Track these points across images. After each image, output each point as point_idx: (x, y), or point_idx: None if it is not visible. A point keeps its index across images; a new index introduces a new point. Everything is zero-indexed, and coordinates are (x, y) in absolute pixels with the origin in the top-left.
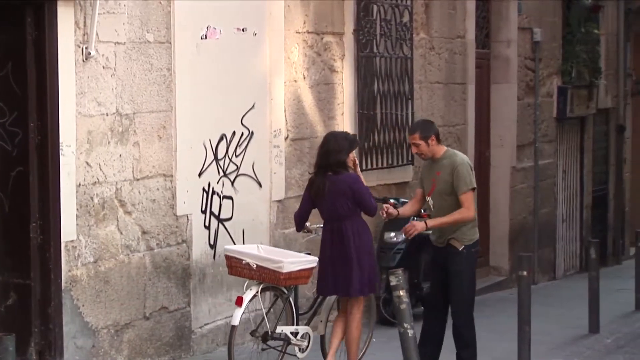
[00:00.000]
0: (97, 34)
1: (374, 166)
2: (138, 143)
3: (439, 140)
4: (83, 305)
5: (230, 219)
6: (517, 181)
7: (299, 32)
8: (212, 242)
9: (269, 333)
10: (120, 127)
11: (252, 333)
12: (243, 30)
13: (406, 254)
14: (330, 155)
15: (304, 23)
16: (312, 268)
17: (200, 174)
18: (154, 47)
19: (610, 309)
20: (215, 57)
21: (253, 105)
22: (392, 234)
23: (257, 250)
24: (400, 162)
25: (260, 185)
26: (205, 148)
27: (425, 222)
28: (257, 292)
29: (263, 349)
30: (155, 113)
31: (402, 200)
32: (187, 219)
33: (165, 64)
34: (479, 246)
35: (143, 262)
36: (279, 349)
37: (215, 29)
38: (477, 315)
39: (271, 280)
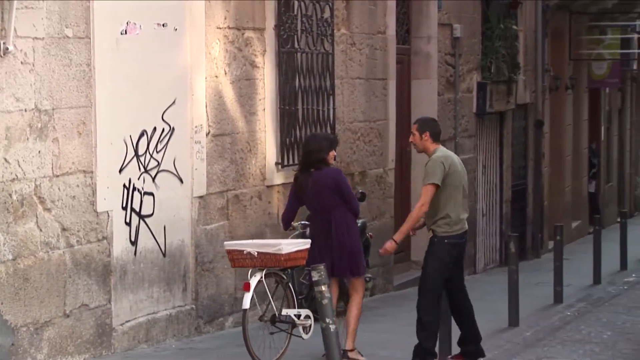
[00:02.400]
0: (15, 29)
1: (296, 162)
2: (57, 139)
3: (435, 140)
4: (2, 303)
5: (151, 215)
6: None
7: (220, 28)
8: (133, 239)
9: (277, 316)
10: (39, 123)
11: (260, 318)
12: (163, 25)
13: None
14: (312, 154)
15: (225, 19)
16: (307, 249)
17: (120, 170)
18: (73, 43)
19: (530, 302)
20: (136, 53)
21: (174, 101)
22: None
23: (245, 242)
24: None
25: (181, 181)
26: (126, 144)
27: (393, 239)
28: (262, 277)
29: (272, 333)
30: (74, 109)
31: None
32: (108, 216)
33: (84, 60)
34: (460, 240)
35: (63, 259)
36: (287, 331)
37: (135, 24)
38: (398, 310)
39: (273, 264)
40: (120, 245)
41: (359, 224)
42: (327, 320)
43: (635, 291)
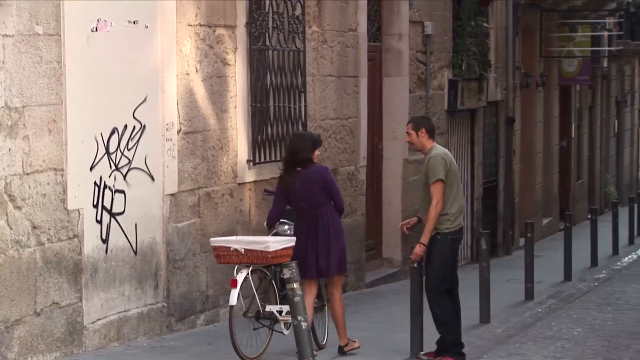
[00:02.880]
0: None
1: (267, 159)
2: (28, 137)
3: (430, 136)
4: None
5: (122, 213)
6: (410, 173)
7: (191, 25)
8: (104, 237)
9: (261, 312)
10: (10, 120)
11: (244, 314)
12: (134, 22)
13: None
14: (298, 153)
15: (196, 16)
16: (292, 247)
17: (91, 168)
18: (44, 40)
19: (501, 299)
20: (106, 50)
21: (145, 99)
22: (286, 227)
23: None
24: None
25: (152, 178)
26: (97, 142)
27: (421, 242)
28: (248, 273)
29: (255, 328)
30: (45, 106)
31: None
32: (79, 214)
33: (55, 57)
34: (459, 235)
35: (34, 257)
36: (269, 326)
37: (105, 21)
38: (369, 308)
39: (260, 261)
40: (91, 243)
41: None
42: (299, 317)
43: (606, 288)
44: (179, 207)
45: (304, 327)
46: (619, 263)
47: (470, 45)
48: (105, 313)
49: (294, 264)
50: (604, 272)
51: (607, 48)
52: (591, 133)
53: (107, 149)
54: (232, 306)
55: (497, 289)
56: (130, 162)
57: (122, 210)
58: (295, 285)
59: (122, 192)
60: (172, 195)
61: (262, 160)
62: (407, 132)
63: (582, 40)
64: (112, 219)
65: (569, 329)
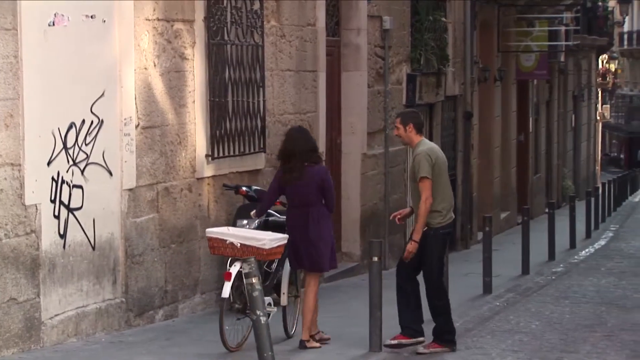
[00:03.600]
0: None
1: (226, 154)
2: None
3: (418, 131)
4: None
5: (80, 208)
6: (368, 168)
7: (149, 20)
8: (62, 232)
9: (248, 304)
10: None
11: (231, 306)
12: (92, 17)
13: None
14: (311, 150)
15: (154, 10)
16: (284, 244)
17: (49, 163)
18: (0, 34)
19: (459, 293)
20: (64, 45)
21: (103, 93)
22: (245, 222)
23: (227, 231)
24: (252, 150)
25: (110, 173)
26: (54, 136)
27: (412, 239)
28: (240, 267)
29: (238, 319)
30: (1, 101)
31: (255, 187)
32: (36, 209)
33: (11, 52)
34: (451, 228)
35: None
36: (251, 316)
37: (63, 15)
38: (329, 302)
39: (253, 256)
40: (48, 238)
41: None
42: (258, 312)
43: (563, 281)
44: (137, 202)
45: (262, 322)
46: (576, 257)
47: (429, 40)
48: (63, 308)
49: (252, 259)
50: (561, 265)
51: (564, 43)
52: (548, 127)
53: (64, 143)
54: (224, 298)
55: (456, 283)
56: (88, 157)
57: (80, 205)
58: (254, 280)
59: (80, 187)
60: (130, 190)
61: (221, 155)
62: (395, 126)
63: (540, 34)
64: (70, 214)
65: (527, 322)
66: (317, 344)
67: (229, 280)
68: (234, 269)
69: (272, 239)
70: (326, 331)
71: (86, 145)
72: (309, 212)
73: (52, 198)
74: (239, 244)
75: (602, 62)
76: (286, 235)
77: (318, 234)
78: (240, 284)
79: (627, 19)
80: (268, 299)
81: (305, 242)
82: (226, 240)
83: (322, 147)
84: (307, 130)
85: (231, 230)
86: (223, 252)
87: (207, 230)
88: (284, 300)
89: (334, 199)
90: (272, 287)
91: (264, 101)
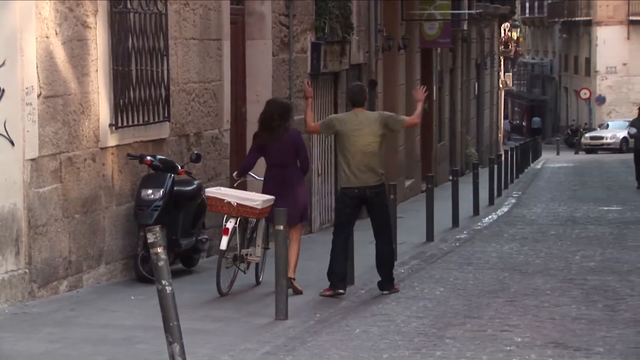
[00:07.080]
0: None
1: (130, 123)
2: None
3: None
4: None
5: None
6: None
7: None
8: None
9: (238, 255)
10: None
11: (224, 255)
12: None
13: (164, 210)
14: (287, 118)
15: None
16: (272, 205)
17: None
18: None
19: (364, 261)
20: None
21: (3, 62)
22: (150, 191)
23: (221, 191)
24: (156, 119)
25: (12, 143)
26: None
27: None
28: (236, 223)
29: (227, 267)
30: None
31: (159, 157)
32: None
33: None
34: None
35: None
36: (237, 265)
37: None
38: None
39: (247, 214)
40: None
41: (194, 186)
42: (164, 282)
43: (466, 248)
44: (40, 172)
45: (167, 292)
46: (479, 223)
47: (333, 8)
48: None
49: (157, 228)
50: (465, 232)
51: (467, 11)
52: (452, 95)
53: None
54: (222, 250)
55: (360, 251)
56: None
57: None
58: (159, 250)
59: None
60: (32, 160)
61: (125, 124)
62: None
63: (443, 3)
64: None
65: (431, 288)
66: (300, 288)
67: (227, 235)
68: (230, 225)
69: (264, 200)
70: (227, 299)
71: None
72: (285, 173)
73: None
74: (235, 203)
75: (505, 30)
76: (273, 197)
77: (294, 192)
78: (232, 237)
79: None
80: (251, 250)
81: (283, 199)
82: (224, 200)
83: (227, 115)
84: (285, 101)
85: (222, 190)
86: (220, 210)
87: (207, 189)
88: (258, 251)
89: (307, 160)
90: (252, 239)
91: (167, 70)
